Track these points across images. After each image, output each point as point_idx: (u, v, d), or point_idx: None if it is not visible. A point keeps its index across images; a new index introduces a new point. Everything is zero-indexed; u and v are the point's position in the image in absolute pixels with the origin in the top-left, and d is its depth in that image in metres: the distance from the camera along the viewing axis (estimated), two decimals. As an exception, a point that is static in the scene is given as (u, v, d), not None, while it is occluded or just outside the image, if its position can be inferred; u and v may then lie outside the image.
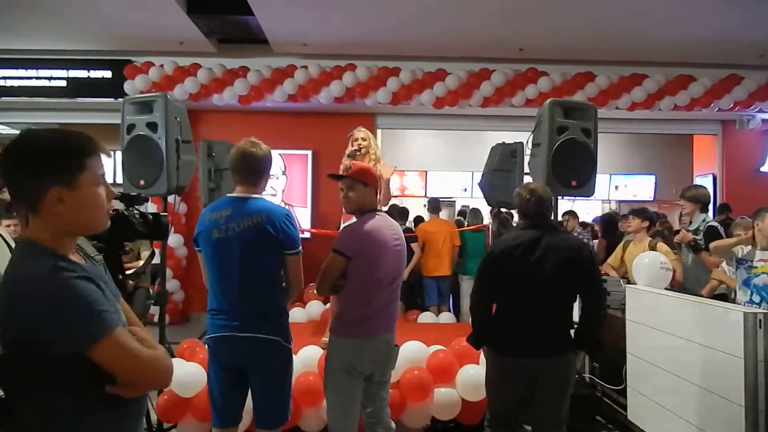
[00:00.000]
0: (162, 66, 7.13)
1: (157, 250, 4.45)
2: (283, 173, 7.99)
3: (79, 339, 1.28)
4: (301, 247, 2.68)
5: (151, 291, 5.30)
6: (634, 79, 7.30)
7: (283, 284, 2.68)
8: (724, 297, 4.23)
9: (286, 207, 7.56)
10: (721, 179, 8.44)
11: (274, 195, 7.86)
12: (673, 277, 4.48)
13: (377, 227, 2.75)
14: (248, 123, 7.41)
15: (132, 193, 2.69)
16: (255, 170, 2.67)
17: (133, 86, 7.07)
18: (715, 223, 4.75)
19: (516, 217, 8.87)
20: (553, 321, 2.83)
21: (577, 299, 2.95)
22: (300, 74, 7.14)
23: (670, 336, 3.31)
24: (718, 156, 8.48)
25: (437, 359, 3.80)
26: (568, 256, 2.80)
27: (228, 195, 2.77)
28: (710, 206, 5.51)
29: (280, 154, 7.87)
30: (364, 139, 4.42)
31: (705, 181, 8.43)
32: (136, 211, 2.58)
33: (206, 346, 2.72)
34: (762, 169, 8.29)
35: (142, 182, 3.95)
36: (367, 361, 2.73)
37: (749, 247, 3.84)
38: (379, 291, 2.75)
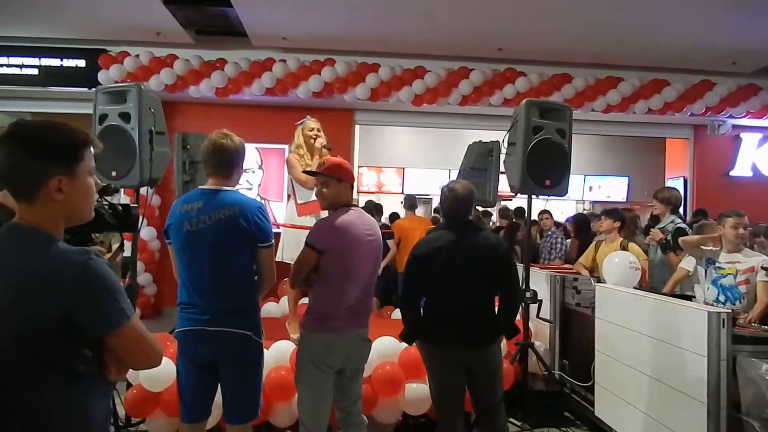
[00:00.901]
0: (137, 56, 7.01)
1: (127, 243, 4.38)
2: (260, 167, 7.92)
3: (114, 322, 1.34)
4: (273, 240, 2.67)
5: (123, 284, 5.22)
6: (610, 82, 7.42)
7: (255, 278, 2.66)
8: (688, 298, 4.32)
9: (262, 201, 7.51)
10: (692, 182, 8.62)
11: (250, 189, 7.79)
12: (643, 276, 4.57)
13: (351, 222, 2.75)
14: (225, 116, 7.35)
15: (102, 184, 2.64)
16: (226, 162, 2.64)
17: (107, 76, 6.93)
18: (684, 225, 4.85)
19: (494, 216, 9.00)
20: (478, 314, 2.99)
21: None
22: (278, 68, 7.09)
23: (636, 334, 3.37)
24: (690, 160, 8.66)
25: (409, 354, 3.80)
26: (485, 254, 2.97)
27: (200, 187, 2.74)
28: (680, 209, 5.62)
29: (256, 148, 7.80)
30: (319, 130, 4.40)
31: (676, 184, 8.59)
32: (105, 203, 2.54)
33: (176, 340, 2.69)
34: (731, 173, 8.49)
35: (114, 173, 3.88)
36: (337, 357, 2.73)
37: (717, 248, 3.94)
38: (352, 286, 2.75)
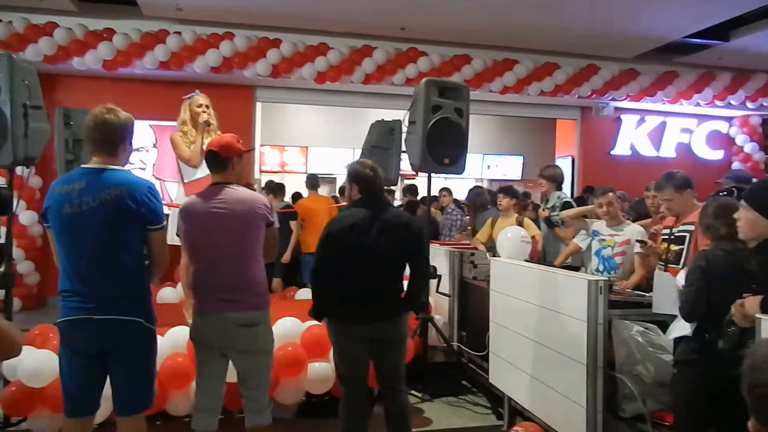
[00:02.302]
0: (11, 23, 6.38)
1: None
2: (154, 146, 7.50)
3: None
4: (165, 222, 2.56)
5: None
6: (506, 64, 7.71)
7: (146, 262, 2.55)
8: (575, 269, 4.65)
9: (157, 181, 7.14)
10: (579, 161, 9.21)
11: (144, 168, 7.36)
12: (533, 249, 4.85)
13: (192, 200, 2.82)
14: (114, 90, 6.86)
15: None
16: (110, 139, 2.48)
17: (-26, 44, 6.25)
18: (569, 200, 5.19)
19: (397, 194, 9.13)
20: (387, 289, 3.08)
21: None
22: (173, 40, 6.72)
23: (526, 303, 3.58)
24: (577, 140, 9.24)
25: (311, 334, 3.82)
26: (398, 232, 3.03)
27: (82, 166, 2.56)
28: (563, 185, 5.95)
29: (150, 125, 7.37)
30: (207, 106, 4.29)
31: (565, 163, 9.17)
32: (-31, 184, 2.31)
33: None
34: (613, 152, 9.17)
35: (-19, 151, 3.52)
36: (209, 338, 2.75)
37: (602, 222, 4.26)
38: (203, 267, 2.75)
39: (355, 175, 3.09)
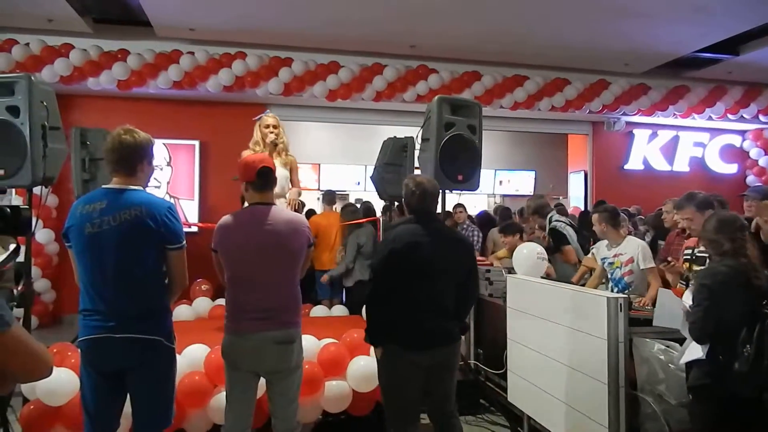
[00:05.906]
0: (28, 44, 6.48)
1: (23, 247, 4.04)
2: (168, 164, 7.58)
3: None
4: (185, 242, 2.56)
5: (15, 292, 4.82)
6: (517, 80, 7.73)
7: (166, 281, 2.56)
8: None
9: (171, 199, 7.19)
10: (592, 176, 9.19)
11: (158, 187, 7.44)
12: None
13: (236, 221, 2.77)
14: (129, 110, 6.98)
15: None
16: (128, 160, 2.51)
17: (-8, 65, 6.36)
18: (557, 227, 5.21)
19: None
20: (447, 310, 2.94)
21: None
22: (186, 60, 6.80)
23: (544, 321, 3.54)
24: (589, 154, 9.22)
25: (328, 352, 3.79)
26: (456, 248, 2.94)
27: (103, 186, 2.58)
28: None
29: (164, 144, 7.46)
30: (275, 126, 4.35)
31: (577, 177, 9.15)
32: (-9, 204, 2.33)
33: (78, 350, 2.53)
34: (626, 167, 9.13)
35: (1, 172, 3.57)
36: (244, 359, 2.72)
37: (602, 242, 4.24)
38: (243, 286, 2.73)
39: (402, 191, 2.99)
